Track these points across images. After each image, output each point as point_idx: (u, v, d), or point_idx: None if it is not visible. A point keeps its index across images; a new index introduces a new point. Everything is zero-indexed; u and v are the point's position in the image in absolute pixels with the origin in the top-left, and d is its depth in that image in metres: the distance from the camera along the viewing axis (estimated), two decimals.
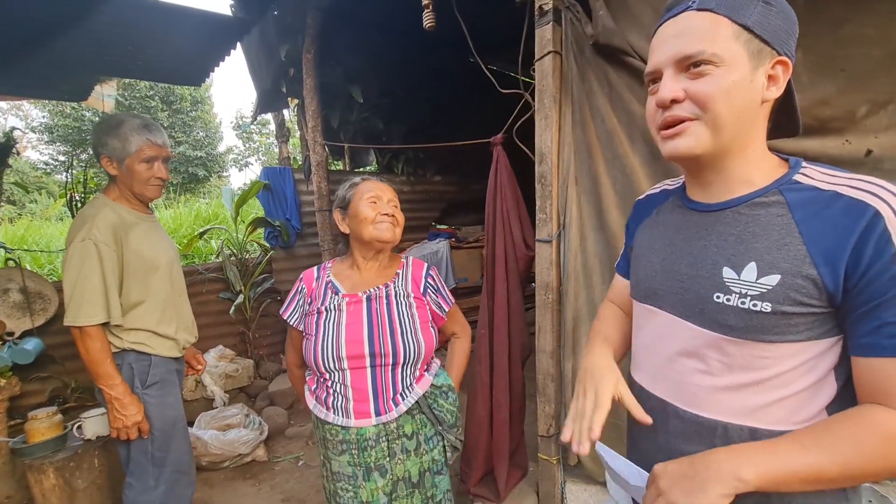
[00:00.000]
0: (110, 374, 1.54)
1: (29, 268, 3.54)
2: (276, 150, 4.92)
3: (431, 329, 1.30)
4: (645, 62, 1.46)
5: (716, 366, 0.70)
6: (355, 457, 1.23)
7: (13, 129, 3.04)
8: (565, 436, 0.77)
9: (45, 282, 2.84)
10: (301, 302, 1.33)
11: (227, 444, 2.67)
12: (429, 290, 1.35)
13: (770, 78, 0.66)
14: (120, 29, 2.34)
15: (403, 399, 1.24)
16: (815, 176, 0.66)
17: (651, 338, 0.81)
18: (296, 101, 4.02)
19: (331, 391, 1.24)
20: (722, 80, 0.64)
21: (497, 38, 2.66)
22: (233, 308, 3.67)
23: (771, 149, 0.75)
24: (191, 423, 2.77)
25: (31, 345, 2.66)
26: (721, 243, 0.70)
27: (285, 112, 4.53)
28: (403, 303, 1.28)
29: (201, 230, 4.12)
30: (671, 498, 0.62)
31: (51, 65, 2.57)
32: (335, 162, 4.85)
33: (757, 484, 0.60)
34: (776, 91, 0.67)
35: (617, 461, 0.78)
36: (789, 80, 0.67)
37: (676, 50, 0.67)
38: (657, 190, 0.92)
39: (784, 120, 0.73)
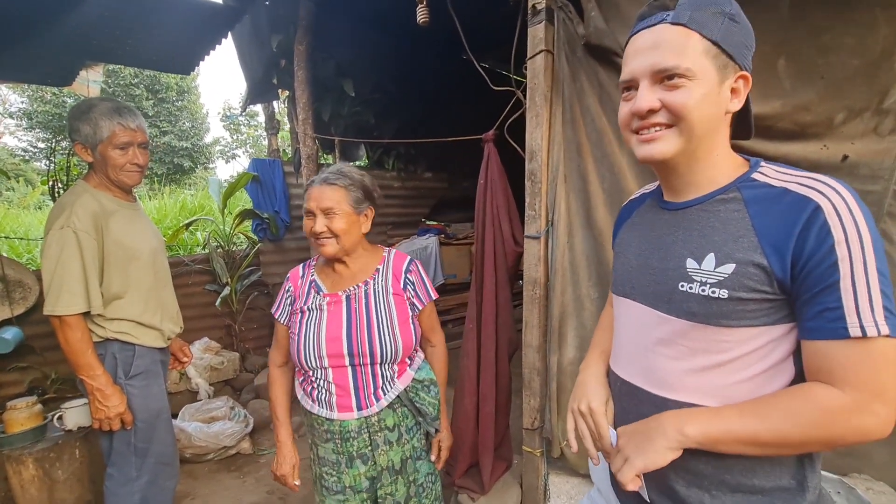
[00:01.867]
0: (91, 365, 1.52)
1: (6, 256, 3.46)
2: (265, 142, 4.88)
3: (411, 325, 1.31)
4: None
5: (682, 350, 0.75)
6: (339, 445, 1.28)
7: None
8: (574, 448, 0.89)
9: (26, 270, 2.78)
10: (289, 301, 1.35)
11: (212, 436, 2.65)
12: (408, 287, 1.34)
13: (733, 91, 0.73)
14: (108, 12, 2.29)
15: (385, 394, 1.27)
16: (769, 174, 0.73)
17: (627, 329, 0.87)
18: (286, 93, 3.99)
19: (315, 385, 1.28)
20: (694, 93, 0.70)
21: (490, 36, 2.68)
22: (219, 300, 3.63)
23: (739, 149, 0.80)
24: (175, 415, 2.74)
25: (10, 334, 2.61)
26: (686, 237, 0.77)
27: (275, 104, 4.49)
28: (382, 301, 1.29)
29: (187, 221, 4.07)
30: (626, 452, 0.72)
31: (34, 47, 2.51)
32: (325, 155, 4.82)
33: (697, 440, 0.68)
34: (738, 104, 0.73)
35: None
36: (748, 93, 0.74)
37: (653, 62, 0.72)
38: (637, 195, 0.99)
39: (739, 126, 0.79)
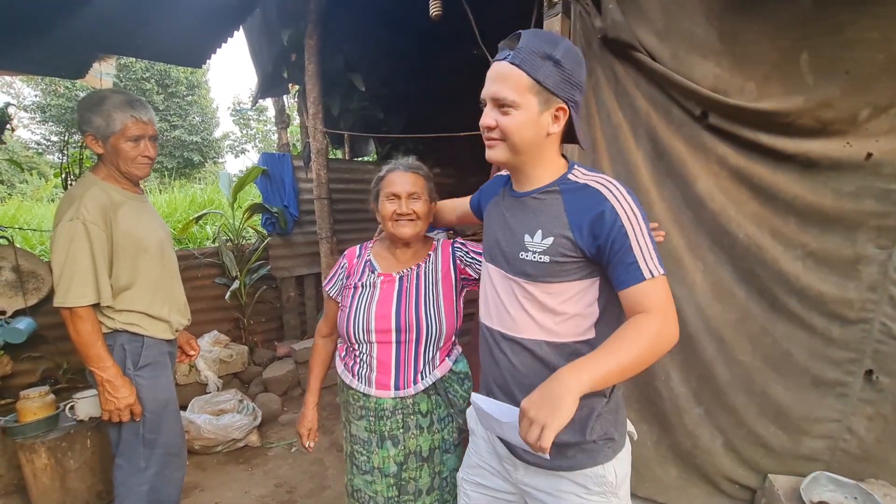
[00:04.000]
0: (101, 357, 1.52)
1: (20, 247, 3.50)
2: (274, 137, 4.90)
3: (455, 307, 1.37)
4: (653, 58, 1.47)
5: (524, 301, 1.02)
6: (372, 423, 1.33)
7: (7, 104, 2.99)
8: None
9: (39, 261, 2.81)
10: (342, 276, 1.43)
11: (221, 428, 2.67)
12: (457, 254, 1.41)
13: (555, 118, 0.96)
14: (120, 4, 2.29)
15: (423, 379, 1.32)
16: (578, 175, 1.01)
17: (491, 287, 1.12)
18: (296, 87, 3.99)
19: (358, 360, 1.34)
20: (516, 120, 0.94)
21: (502, 30, 2.65)
22: (228, 293, 3.65)
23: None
24: (184, 408, 2.77)
25: (24, 324, 2.64)
26: (524, 218, 1.03)
27: (285, 98, 4.49)
28: (432, 282, 1.36)
29: (197, 215, 4.09)
30: (541, 420, 0.79)
31: (48, 39, 2.51)
32: (334, 150, 4.82)
33: (591, 385, 0.82)
34: (557, 128, 0.97)
35: (492, 405, 0.96)
36: (570, 117, 0.97)
37: (493, 91, 0.96)
38: (504, 173, 1.20)
39: (569, 137, 1.03)
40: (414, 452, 1.34)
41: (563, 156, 1.06)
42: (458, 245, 1.44)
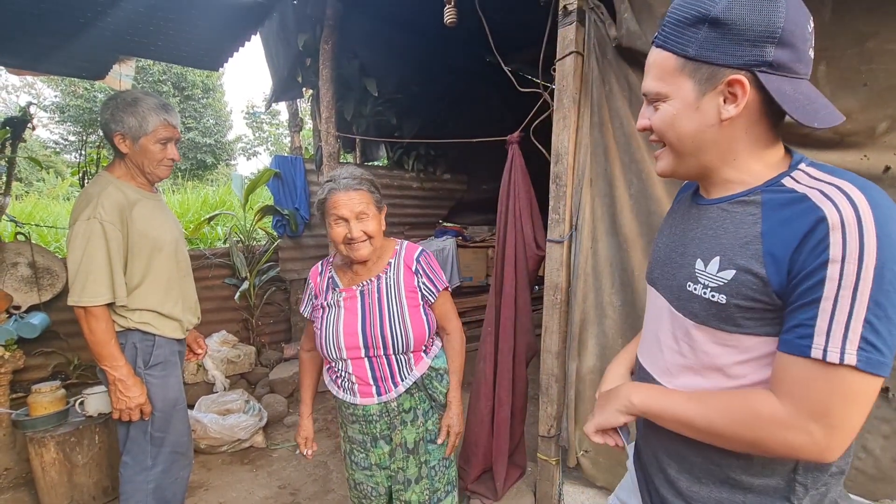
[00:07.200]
0: (114, 356, 1.53)
1: (36, 243, 3.55)
2: (286, 140, 4.95)
3: (423, 316, 1.34)
4: None
5: (685, 347, 0.76)
6: (363, 427, 1.37)
7: (29, 104, 3.06)
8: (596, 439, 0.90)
9: (54, 257, 2.85)
10: (311, 296, 1.43)
11: (227, 428, 2.68)
12: (419, 273, 1.37)
13: (730, 95, 0.67)
14: (142, 7, 2.34)
15: (402, 381, 1.34)
16: (801, 178, 0.67)
17: (650, 316, 0.90)
18: (310, 91, 4.03)
19: (338, 374, 1.36)
20: (666, 114, 0.73)
21: (516, 38, 2.67)
22: (238, 294, 3.68)
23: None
24: (191, 406, 2.78)
25: (37, 319, 2.67)
26: (701, 236, 0.75)
27: (299, 102, 4.54)
28: (394, 293, 1.33)
29: (209, 215, 4.13)
30: (594, 412, 0.86)
31: (70, 41, 2.57)
32: (346, 154, 4.85)
33: (640, 409, 0.76)
34: (735, 109, 0.67)
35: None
36: (764, 89, 0.65)
37: (644, 86, 0.77)
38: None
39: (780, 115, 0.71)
40: (399, 445, 1.37)
41: (787, 148, 0.73)
42: (420, 269, 1.36)
